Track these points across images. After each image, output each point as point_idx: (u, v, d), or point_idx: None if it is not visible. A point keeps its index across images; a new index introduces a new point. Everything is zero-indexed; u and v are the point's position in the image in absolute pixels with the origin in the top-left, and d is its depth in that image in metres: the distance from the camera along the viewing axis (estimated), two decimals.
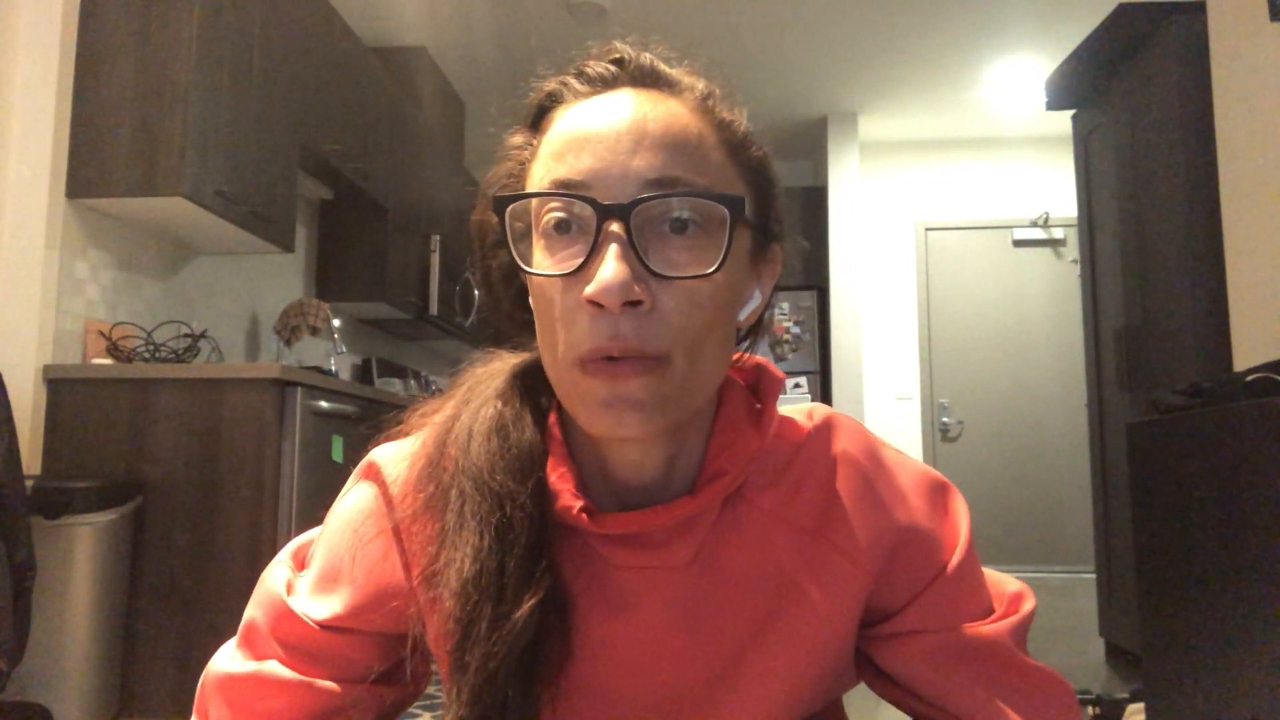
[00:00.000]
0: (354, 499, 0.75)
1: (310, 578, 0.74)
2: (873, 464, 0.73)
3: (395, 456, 0.74)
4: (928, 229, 6.42)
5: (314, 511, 3.10)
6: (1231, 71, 2.47)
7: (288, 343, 3.59)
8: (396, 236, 4.32)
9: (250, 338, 3.70)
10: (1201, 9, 2.72)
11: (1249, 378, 1.61)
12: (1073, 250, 6.28)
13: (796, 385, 5.76)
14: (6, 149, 2.60)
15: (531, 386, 0.72)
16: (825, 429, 0.73)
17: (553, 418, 0.70)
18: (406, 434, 0.76)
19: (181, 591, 2.46)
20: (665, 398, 0.61)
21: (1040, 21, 4.78)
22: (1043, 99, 3.59)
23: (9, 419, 2.04)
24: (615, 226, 0.60)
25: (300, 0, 3.39)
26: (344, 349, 4.07)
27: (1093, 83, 3.31)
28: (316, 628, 0.72)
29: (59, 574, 2.27)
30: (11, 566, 2.00)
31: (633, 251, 0.60)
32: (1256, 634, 1.48)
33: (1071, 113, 3.67)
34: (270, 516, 2.51)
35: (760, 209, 0.69)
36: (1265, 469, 1.46)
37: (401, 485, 0.71)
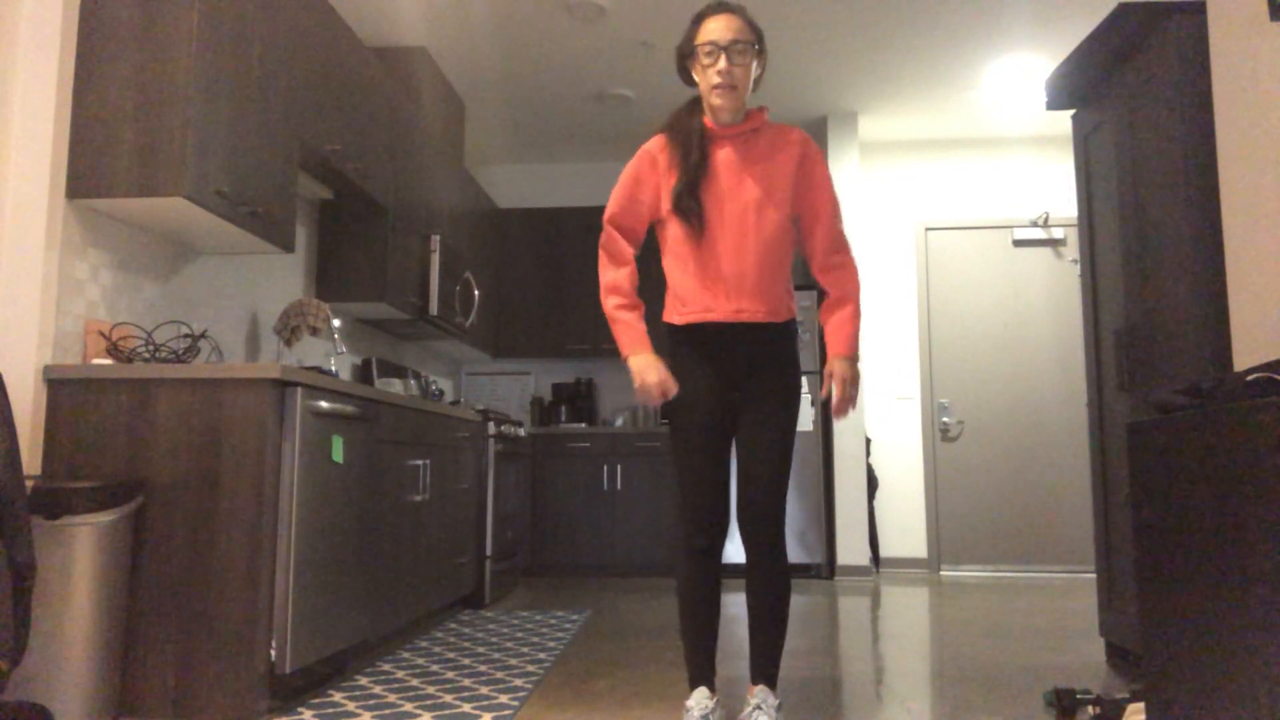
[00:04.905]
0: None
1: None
2: (806, 136, 2.41)
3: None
4: (928, 229, 6.42)
5: (314, 512, 3.10)
6: (1231, 71, 2.47)
7: (288, 343, 3.59)
8: (396, 236, 4.32)
9: (250, 338, 3.70)
10: (1201, 9, 2.72)
11: (1249, 378, 1.61)
12: (1073, 250, 6.28)
13: None
14: (6, 149, 2.60)
15: (696, 102, 2.39)
16: (794, 128, 2.43)
17: (706, 119, 2.36)
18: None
19: (181, 591, 2.46)
20: (742, 95, 2.32)
21: (1040, 21, 4.78)
22: (1043, 99, 3.59)
23: (9, 419, 2.04)
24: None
25: (300, 0, 3.39)
26: (344, 349, 4.07)
27: (1093, 83, 3.31)
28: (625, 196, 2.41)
29: (59, 574, 2.27)
30: (12, 566, 2.00)
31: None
32: (1257, 634, 1.48)
33: (1071, 113, 3.67)
34: (270, 516, 2.51)
35: (760, 46, 2.32)
36: (1265, 469, 1.46)
37: (654, 141, 2.42)
